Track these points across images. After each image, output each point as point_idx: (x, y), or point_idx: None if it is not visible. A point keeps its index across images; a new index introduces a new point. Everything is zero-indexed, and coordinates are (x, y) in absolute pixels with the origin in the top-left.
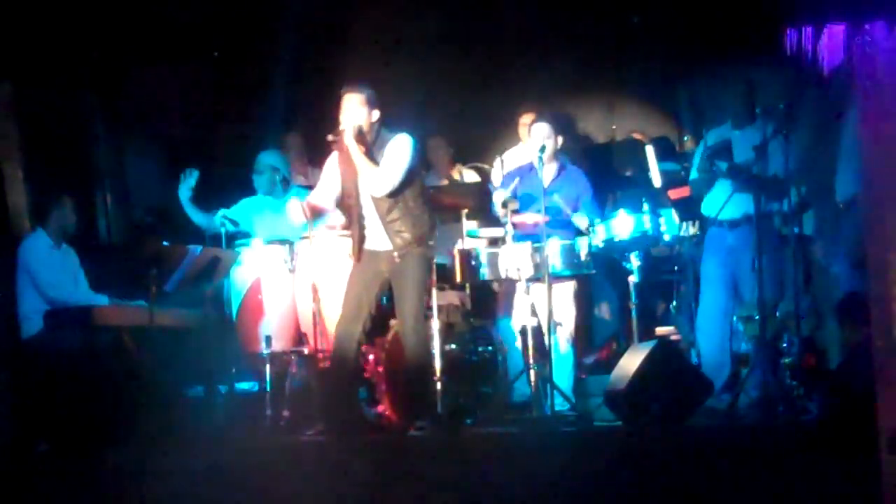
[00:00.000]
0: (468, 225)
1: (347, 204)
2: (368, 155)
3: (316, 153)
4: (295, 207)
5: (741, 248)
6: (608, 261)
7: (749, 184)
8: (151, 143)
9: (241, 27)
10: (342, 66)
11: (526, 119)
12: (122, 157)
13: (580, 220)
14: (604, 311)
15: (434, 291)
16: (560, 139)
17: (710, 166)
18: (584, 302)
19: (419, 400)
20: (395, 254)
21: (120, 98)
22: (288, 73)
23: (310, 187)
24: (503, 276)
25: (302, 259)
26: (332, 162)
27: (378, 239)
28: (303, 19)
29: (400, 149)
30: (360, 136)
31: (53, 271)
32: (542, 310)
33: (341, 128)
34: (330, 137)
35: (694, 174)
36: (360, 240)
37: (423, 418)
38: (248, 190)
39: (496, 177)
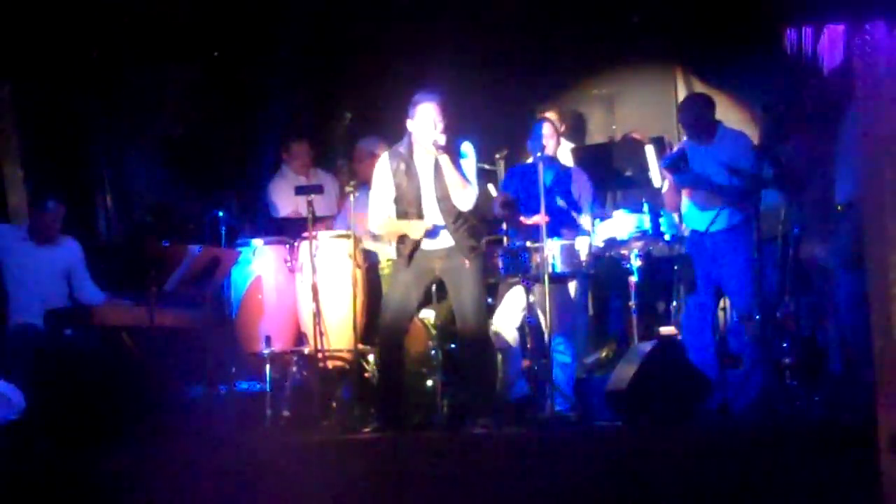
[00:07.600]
0: None
1: (402, 210)
2: (457, 168)
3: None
4: (387, 226)
5: (722, 254)
6: (608, 261)
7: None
8: (151, 143)
9: (241, 27)
10: (342, 67)
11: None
12: (122, 157)
13: (586, 222)
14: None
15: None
16: (562, 140)
17: (674, 173)
18: (585, 302)
19: (484, 397)
20: (463, 257)
21: (120, 98)
22: (287, 74)
23: (310, 188)
24: (503, 276)
25: (302, 259)
26: (385, 171)
27: (432, 239)
28: (302, 19)
29: (473, 161)
30: (448, 148)
31: (17, 267)
32: (543, 310)
33: (439, 140)
34: (441, 142)
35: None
36: (417, 244)
37: (489, 415)
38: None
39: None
